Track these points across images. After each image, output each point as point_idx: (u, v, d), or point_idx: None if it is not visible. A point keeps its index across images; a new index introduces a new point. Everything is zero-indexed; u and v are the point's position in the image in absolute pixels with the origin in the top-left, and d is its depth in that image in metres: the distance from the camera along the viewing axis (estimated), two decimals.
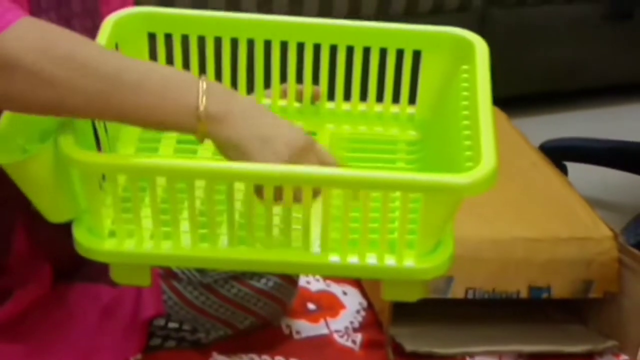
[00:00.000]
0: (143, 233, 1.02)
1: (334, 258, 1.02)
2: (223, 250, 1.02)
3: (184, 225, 1.01)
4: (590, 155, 2.26)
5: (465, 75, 1.14)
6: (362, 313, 1.63)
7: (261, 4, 2.22)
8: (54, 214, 1.04)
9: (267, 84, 1.23)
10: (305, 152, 0.99)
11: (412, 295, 1.06)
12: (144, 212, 1.01)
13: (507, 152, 1.86)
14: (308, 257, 1.03)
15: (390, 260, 1.02)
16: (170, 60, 1.18)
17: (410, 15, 2.38)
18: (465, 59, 1.15)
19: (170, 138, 1.18)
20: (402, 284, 1.05)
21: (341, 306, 1.64)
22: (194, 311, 1.41)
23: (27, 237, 1.30)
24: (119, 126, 1.14)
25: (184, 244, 1.02)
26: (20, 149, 1.01)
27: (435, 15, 2.40)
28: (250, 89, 1.23)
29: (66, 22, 1.20)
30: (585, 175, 2.16)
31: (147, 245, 1.02)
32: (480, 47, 1.15)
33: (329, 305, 1.64)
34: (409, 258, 1.01)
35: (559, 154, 2.16)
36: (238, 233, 1.02)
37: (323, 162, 1.00)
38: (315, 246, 1.02)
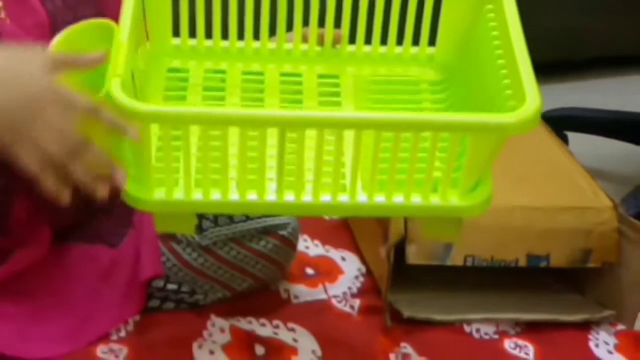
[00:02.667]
0: (191, 181, 1.03)
1: (380, 198, 1.04)
2: (272, 195, 1.04)
3: (233, 172, 1.03)
4: (591, 125, 2.26)
5: (491, 15, 1.15)
6: (361, 279, 1.63)
7: None
8: None
9: (290, 27, 1.25)
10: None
11: (451, 234, 1.10)
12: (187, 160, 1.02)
13: None
14: (355, 198, 1.04)
15: (435, 199, 1.04)
16: (193, 6, 1.21)
17: None
18: None
19: (196, 86, 1.20)
20: (442, 223, 1.09)
21: (340, 271, 1.64)
22: (192, 273, 1.42)
23: (26, 200, 1.30)
24: (145, 76, 1.16)
25: (232, 190, 1.03)
26: None
27: None
28: (272, 32, 1.25)
29: (72, 8, 1.21)
30: (586, 145, 2.16)
31: (196, 194, 1.03)
32: None
33: (328, 271, 1.64)
34: (453, 196, 1.04)
35: (560, 123, 2.16)
36: (286, 178, 1.03)
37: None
38: (361, 188, 1.04)
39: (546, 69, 2.59)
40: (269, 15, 1.22)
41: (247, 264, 1.44)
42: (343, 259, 1.67)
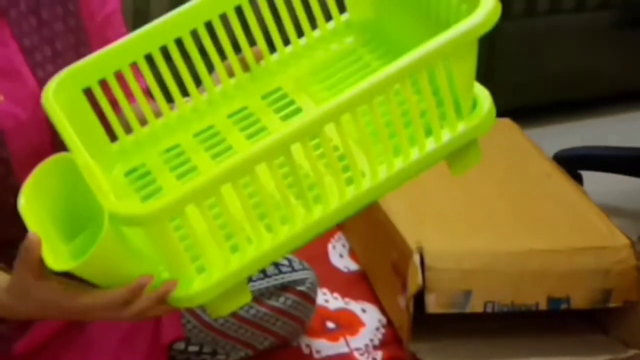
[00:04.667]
0: (224, 253, 1.01)
1: (399, 163, 1.04)
2: (304, 218, 1.03)
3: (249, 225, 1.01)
4: (604, 163, 2.25)
5: None
6: (382, 330, 1.62)
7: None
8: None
9: (210, 70, 1.22)
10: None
11: (474, 159, 1.09)
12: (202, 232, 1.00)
13: (521, 163, 1.87)
14: (377, 178, 1.03)
15: (446, 135, 1.05)
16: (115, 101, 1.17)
17: None
18: None
19: (162, 171, 1.17)
20: (462, 154, 1.08)
21: (360, 324, 1.64)
22: (213, 333, 1.41)
23: None
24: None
25: (264, 239, 1.02)
26: (64, 252, 1.01)
27: None
28: (198, 82, 1.21)
29: (49, 42, 1.21)
30: (600, 183, 2.16)
31: (234, 262, 1.01)
32: None
33: (348, 323, 1.64)
34: (461, 123, 1.05)
35: (573, 163, 2.16)
36: (311, 194, 1.02)
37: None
38: (378, 164, 1.04)
39: (556, 109, 2.60)
40: (187, 71, 1.19)
41: (268, 321, 1.44)
42: (363, 310, 1.67)
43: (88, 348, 1.38)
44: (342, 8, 1.25)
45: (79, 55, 1.19)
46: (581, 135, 2.41)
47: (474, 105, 1.06)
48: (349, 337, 1.60)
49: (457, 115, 1.05)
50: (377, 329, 1.63)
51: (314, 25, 1.24)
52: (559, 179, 1.82)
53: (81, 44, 1.25)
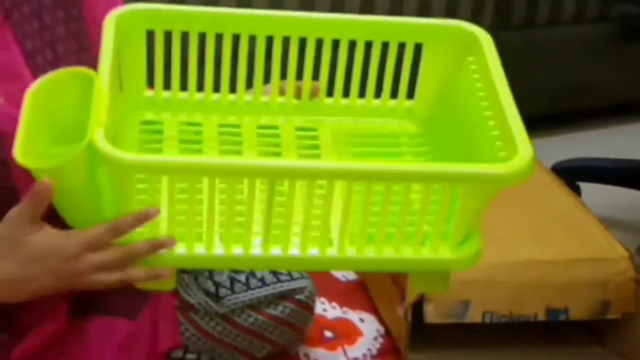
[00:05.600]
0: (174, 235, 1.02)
1: (370, 253, 1.03)
2: (257, 249, 1.02)
3: (217, 226, 1.02)
4: (603, 175, 2.25)
5: (473, 67, 1.14)
6: (380, 340, 1.62)
7: (272, 2, 2.22)
8: (80, 221, 1.04)
9: (267, 80, 1.22)
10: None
11: (439, 287, 1.08)
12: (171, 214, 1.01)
13: None
14: (344, 253, 1.03)
15: (425, 253, 1.03)
16: (169, 57, 1.17)
17: None
18: (469, 50, 1.15)
19: (172, 139, 1.18)
20: (431, 277, 1.07)
21: (358, 333, 1.64)
22: (211, 341, 1.41)
23: None
24: (119, 128, 1.13)
25: (216, 245, 1.02)
26: (42, 153, 1.00)
27: None
28: (249, 84, 1.22)
29: (51, 46, 1.21)
30: (599, 195, 2.16)
31: (180, 249, 1.02)
32: (485, 38, 1.14)
33: (346, 333, 1.63)
34: (443, 250, 1.03)
35: (572, 174, 2.16)
36: (273, 232, 1.02)
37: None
38: (349, 242, 1.03)
39: (555, 120, 2.60)
40: (246, 67, 1.19)
41: (266, 330, 1.44)
42: (361, 320, 1.67)
43: (85, 355, 1.37)
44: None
45: (81, 60, 1.19)
46: (580, 147, 2.41)
47: (464, 241, 1.04)
48: (346, 347, 1.59)
49: (441, 241, 1.03)
50: (375, 338, 1.62)
51: (379, 91, 1.23)
52: (558, 190, 1.82)
53: (83, 49, 1.24)
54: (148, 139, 1.17)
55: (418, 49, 1.20)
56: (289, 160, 1.05)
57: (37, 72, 1.20)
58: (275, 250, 1.02)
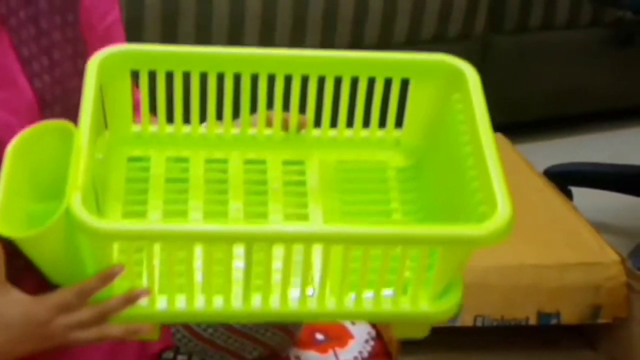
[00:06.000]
0: (155, 293, 1.02)
1: (350, 306, 1.03)
2: (238, 302, 1.03)
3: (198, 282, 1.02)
4: (594, 180, 2.26)
5: (459, 106, 1.13)
6: (371, 343, 1.62)
7: (263, 39, 2.23)
8: (61, 279, 1.03)
9: (254, 110, 1.20)
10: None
11: (421, 333, 1.08)
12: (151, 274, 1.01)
13: (512, 178, 1.85)
14: (324, 305, 1.03)
15: (404, 306, 1.03)
16: (153, 97, 1.17)
17: (412, 43, 2.39)
18: (455, 87, 1.14)
19: (158, 177, 1.17)
20: (411, 325, 1.07)
21: (349, 336, 1.63)
22: (202, 343, 1.41)
23: (32, 281, 1.30)
24: (105, 166, 1.13)
25: (197, 301, 1.02)
26: (24, 212, 1.00)
27: (438, 43, 2.41)
28: (236, 114, 1.20)
29: (47, 52, 1.21)
30: (591, 199, 2.16)
31: (161, 304, 1.02)
32: (471, 76, 1.13)
33: (337, 335, 1.63)
34: (423, 302, 1.02)
35: (564, 179, 2.16)
36: (253, 294, 1.02)
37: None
38: (330, 295, 1.03)
39: (547, 124, 2.61)
40: (232, 103, 1.18)
41: (257, 332, 1.43)
42: (352, 323, 1.66)
43: (75, 357, 1.37)
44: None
45: (76, 66, 1.19)
46: (572, 152, 2.41)
47: (444, 293, 1.03)
48: (337, 349, 1.59)
49: (421, 294, 1.03)
50: (367, 341, 1.62)
51: (367, 121, 1.22)
52: (550, 195, 1.83)
53: (79, 55, 1.24)
54: (135, 177, 1.16)
55: (406, 81, 1.19)
56: (266, 226, 1.04)
57: (33, 78, 1.20)
58: (256, 304, 1.03)
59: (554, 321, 1.57)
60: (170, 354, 1.41)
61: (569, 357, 1.63)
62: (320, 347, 1.59)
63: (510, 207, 0.96)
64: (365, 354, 1.59)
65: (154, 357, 1.39)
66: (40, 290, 1.29)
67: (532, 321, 1.56)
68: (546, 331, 1.64)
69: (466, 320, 1.53)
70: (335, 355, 1.58)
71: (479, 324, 1.54)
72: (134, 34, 2.12)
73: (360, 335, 1.63)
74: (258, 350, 1.46)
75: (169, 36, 2.17)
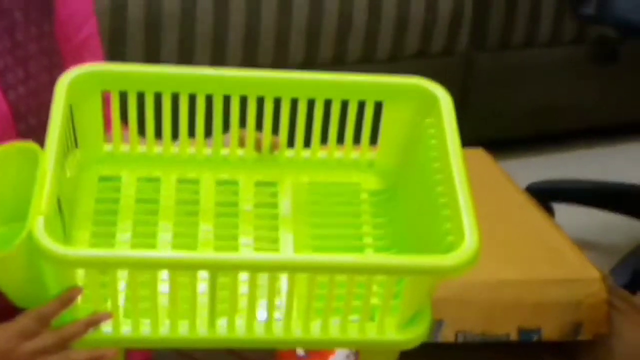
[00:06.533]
0: (119, 318, 1.01)
1: (316, 333, 1.02)
2: (203, 329, 1.02)
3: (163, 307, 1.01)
4: (576, 196, 2.26)
5: (431, 131, 1.13)
6: (352, 357, 1.61)
7: (246, 54, 2.23)
8: (23, 302, 1.03)
9: (226, 128, 1.20)
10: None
11: (389, 359, 1.09)
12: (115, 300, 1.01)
13: (494, 194, 1.87)
14: (290, 332, 1.03)
15: (371, 333, 1.03)
16: (125, 117, 1.16)
17: (395, 59, 2.39)
18: (428, 112, 1.14)
19: (128, 197, 1.16)
20: (379, 353, 1.08)
21: (330, 351, 1.63)
22: (181, 357, 1.40)
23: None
24: (75, 185, 1.13)
25: (162, 326, 1.02)
26: None
27: (420, 59, 2.41)
28: (209, 132, 1.20)
29: (22, 63, 1.20)
30: (572, 216, 2.17)
31: (125, 329, 1.02)
32: (445, 101, 1.13)
33: (318, 351, 1.62)
34: (390, 330, 1.02)
35: (545, 195, 2.17)
36: (218, 319, 1.02)
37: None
38: (297, 323, 1.03)
39: (529, 141, 2.61)
40: (205, 116, 1.17)
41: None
42: None
43: None
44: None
45: (52, 77, 1.18)
46: (554, 168, 2.42)
47: (413, 320, 1.03)
48: None
49: (389, 321, 1.03)
50: (348, 356, 1.61)
51: (341, 141, 1.21)
52: (532, 211, 1.83)
53: (55, 66, 1.23)
54: (105, 197, 1.16)
55: (380, 103, 1.19)
56: (231, 254, 1.05)
57: (8, 91, 1.19)
58: (222, 330, 1.02)
59: (535, 337, 1.56)
60: None
61: None
62: None
63: (477, 239, 0.96)
64: None
65: None
66: (6, 312, 1.29)
67: (513, 337, 1.56)
68: (527, 347, 1.64)
69: (447, 336, 1.53)
70: None
71: (460, 339, 1.53)
72: (117, 46, 2.12)
73: (341, 351, 1.63)
74: None
75: (152, 48, 2.16)
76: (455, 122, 1.10)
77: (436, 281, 1.01)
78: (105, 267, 0.98)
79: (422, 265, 0.97)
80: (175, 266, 0.97)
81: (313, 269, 0.98)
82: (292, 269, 0.98)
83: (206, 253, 1.06)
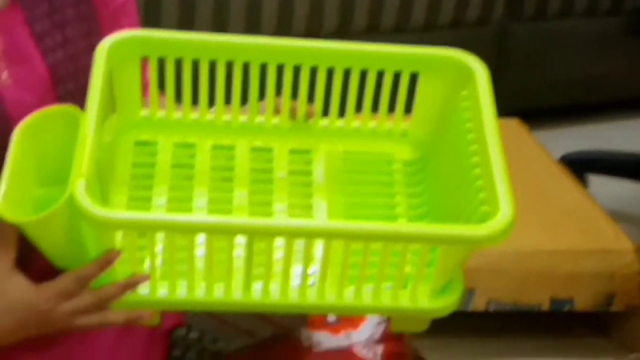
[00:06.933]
0: (157, 280, 1.02)
1: (349, 299, 1.03)
2: (238, 292, 1.03)
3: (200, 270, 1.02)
4: (610, 167, 2.25)
5: (466, 103, 1.13)
6: (383, 325, 1.62)
7: (280, 22, 2.23)
8: (63, 263, 1.04)
9: (262, 96, 1.21)
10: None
11: (419, 327, 1.09)
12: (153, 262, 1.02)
13: (528, 164, 1.86)
14: (324, 298, 1.03)
15: (404, 301, 1.03)
16: (162, 84, 1.17)
17: (429, 28, 2.38)
18: (464, 84, 1.14)
19: (164, 162, 1.17)
20: (411, 320, 1.08)
21: (361, 318, 1.63)
22: (215, 321, 1.41)
23: (40, 261, 1.30)
24: (112, 150, 1.14)
25: (198, 289, 1.03)
26: (29, 196, 1.01)
27: (455, 28, 2.40)
28: (245, 100, 1.20)
29: (60, 28, 1.21)
30: (606, 187, 2.16)
31: (162, 292, 1.03)
32: (481, 73, 1.13)
33: (350, 317, 1.63)
34: (423, 298, 1.03)
35: (580, 166, 2.16)
36: (253, 282, 1.03)
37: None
38: (331, 289, 1.03)
39: (564, 111, 2.60)
40: (241, 84, 1.18)
41: None
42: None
43: (88, 333, 1.37)
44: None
45: (90, 42, 1.19)
46: (588, 139, 2.41)
47: (445, 289, 1.04)
48: (350, 331, 1.59)
49: (421, 289, 1.03)
50: (379, 323, 1.62)
51: (375, 110, 1.22)
52: (566, 181, 1.82)
53: (92, 32, 1.24)
54: (141, 162, 1.17)
55: (415, 74, 1.19)
56: (268, 220, 1.06)
57: (46, 54, 1.20)
58: (257, 295, 1.03)
59: (567, 308, 1.56)
60: (182, 332, 1.41)
61: (580, 344, 1.63)
62: (333, 328, 1.59)
63: (512, 209, 0.97)
64: (377, 336, 1.59)
65: (166, 335, 1.40)
66: (47, 273, 1.30)
67: (545, 307, 1.55)
68: (558, 318, 1.63)
69: (479, 305, 1.53)
70: (348, 336, 1.58)
71: (491, 308, 1.53)
72: (151, 15, 2.12)
73: (373, 318, 1.63)
74: (270, 330, 1.46)
75: (186, 18, 2.16)
76: (491, 94, 1.10)
77: (471, 250, 1.01)
78: (144, 230, 0.98)
79: (458, 235, 0.97)
80: (214, 230, 0.97)
81: (349, 236, 0.98)
82: (328, 235, 0.99)
83: (244, 218, 1.07)
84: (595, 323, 1.67)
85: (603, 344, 1.64)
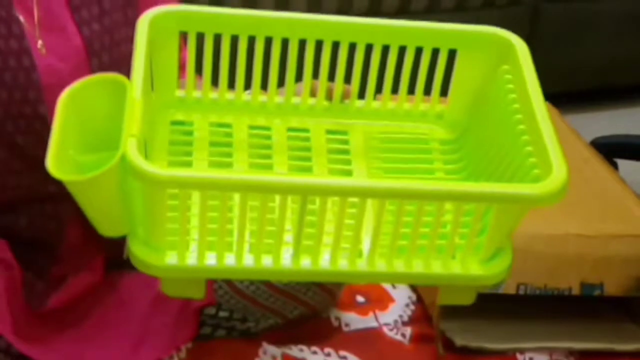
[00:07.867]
0: (204, 245, 1.00)
1: (399, 267, 1.02)
2: (287, 261, 1.01)
3: (248, 235, 1.00)
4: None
5: (508, 76, 1.12)
6: (412, 307, 1.62)
7: (310, 6, 2.22)
8: (109, 229, 1.03)
9: (299, 78, 1.20)
10: None
11: (468, 299, 1.08)
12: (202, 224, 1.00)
13: None
14: (374, 266, 1.02)
15: (454, 268, 1.02)
16: (200, 59, 1.16)
17: (461, 9, 2.37)
18: (504, 58, 1.13)
19: (202, 140, 1.17)
20: (459, 290, 1.06)
21: (390, 299, 1.63)
22: (244, 300, 1.42)
23: (80, 227, 1.31)
24: (149, 129, 1.13)
25: (246, 255, 1.01)
26: (73, 162, 1.00)
27: (487, 9, 2.39)
28: (281, 82, 1.20)
29: (108, 14, 1.21)
30: (637, 171, 2.14)
31: (210, 259, 1.01)
32: (521, 47, 1.12)
33: (378, 298, 1.63)
34: (473, 265, 1.02)
35: (610, 150, 2.14)
36: (304, 243, 1.01)
37: None
38: (380, 256, 1.02)
39: (596, 96, 2.58)
40: (278, 66, 1.17)
41: (299, 291, 1.44)
42: (393, 286, 1.66)
43: (119, 307, 1.38)
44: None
45: (126, 15, 1.19)
46: (620, 123, 2.39)
47: (495, 256, 1.03)
48: (378, 312, 1.59)
49: (472, 256, 1.02)
50: (407, 305, 1.62)
51: (409, 92, 1.21)
52: (597, 165, 1.81)
53: (129, 5, 1.24)
54: (178, 140, 1.16)
55: (453, 53, 1.18)
56: (321, 178, 1.04)
57: (82, 25, 1.20)
58: (306, 263, 1.02)
59: (597, 292, 1.55)
60: (212, 310, 1.42)
61: (610, 329, 1.62)
62: (361, 309, 1.60)
63: (565, 169, 0.96)
64: (406, 318, 1.59)
65: (196, 313, 1.40)
66: (61, 281, 1.30)
67: (575, 291, 1.55)
68: (588, 302, 1.63)
69: (509, 288, 1.52)
70: (376, 318, 1.59)
71: (521, 291, 1.53)
72: None
73: (401, 299, 1.63)
74: (299, 310, 1.46)
75: None
76: (534, 68, 1.09)
77: (523, 213, 1.00)
78: (197, 187, 0.96)
79: (513, 193, 0.96)
80: (265, 188, 0.95)
81: (402, 195, 0.97)
82: (382, 195, 0.97)
83: (298, 177, 1.04)
84: (625, 308, 1.66)
85: (632, 329, 1.63)
